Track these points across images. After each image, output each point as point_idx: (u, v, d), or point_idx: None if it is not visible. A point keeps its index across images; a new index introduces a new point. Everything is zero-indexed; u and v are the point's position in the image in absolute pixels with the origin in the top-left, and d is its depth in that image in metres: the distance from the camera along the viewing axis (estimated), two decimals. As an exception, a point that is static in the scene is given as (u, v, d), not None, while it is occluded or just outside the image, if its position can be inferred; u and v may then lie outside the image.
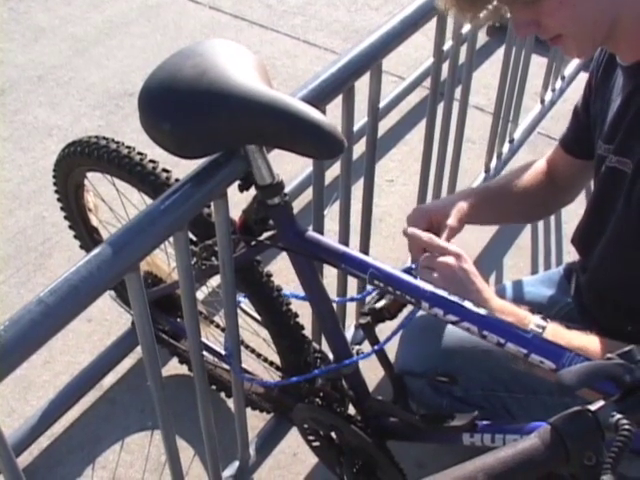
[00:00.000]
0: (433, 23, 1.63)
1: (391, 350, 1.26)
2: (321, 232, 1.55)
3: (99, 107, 2.96)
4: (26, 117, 2.90)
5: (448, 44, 1.77)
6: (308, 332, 1.57)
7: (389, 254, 2.24)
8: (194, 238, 1.40)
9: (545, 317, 1.08)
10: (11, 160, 2.70)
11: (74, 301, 0.96)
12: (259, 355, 1.64)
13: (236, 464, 1.67)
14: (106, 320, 2.13)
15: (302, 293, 1.28)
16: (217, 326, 1.72)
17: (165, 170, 1.48)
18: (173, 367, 1.95)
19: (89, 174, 1.65)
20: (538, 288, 1.58)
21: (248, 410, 1.63)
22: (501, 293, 1.60)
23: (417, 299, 1.08)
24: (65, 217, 1.82)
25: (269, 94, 1.05)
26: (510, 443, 0.65)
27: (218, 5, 3.60)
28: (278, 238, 1.24)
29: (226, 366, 1.67)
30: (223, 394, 1.84)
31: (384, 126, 2.71)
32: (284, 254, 1.27)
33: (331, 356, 1.38)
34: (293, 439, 1.79)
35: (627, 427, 0.61)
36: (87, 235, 1.82)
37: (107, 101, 2.99)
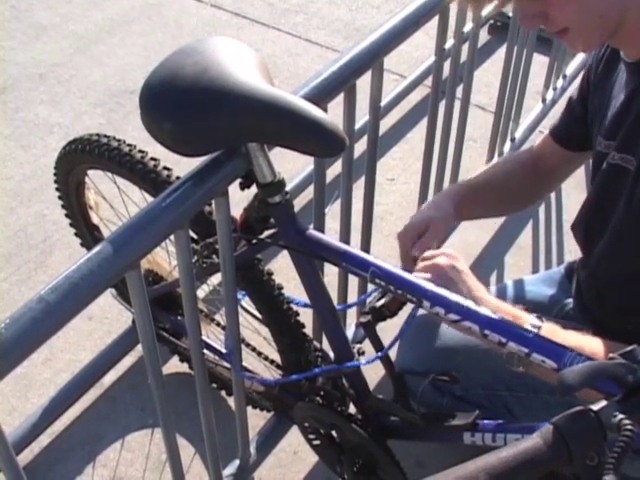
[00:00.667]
0: (435, 21, 1.63)
1: (392, 349, 1.26)
2: (322, 230, 1.55)
3: (100, 105, 2.96)
4: (27, 115, 2.90)
5: (450, 42, 1.77)
6: (309, 330, 1.57)
7: (390, 252, 2.24)
8: (195, 236, 1.40)
9: (540, 316, 1.08)
10: (12, 158, 2.70)
11: (75, 299, 0.96)
12: (260, 353, 1.64)
13: (236, 462, 1.67)
14: (107, 318, 2.13)
15: (303, 293, 1.28)
16: (218, 324, 1.72)
17: (166, 168, 1.47)
18: (174, 365, 1.95)
19: (90, 172, 1.65)
20: (539, 287, 1.58)
21: (249, 409, 1.63)
22: (502, 292, 1.60)
23: (418, 298, 1.07)
24: (66, 215, 1.82)
25: (270, 92, 1.05)
26: (512, 443, 0.65)
27: (219, 3, 3.59)
28: (279, 236, 1.23)
29: (227, 364, 1.67)
30: (224, 392, 1.84)
31: (385, 124, 2.71)
32: (285, 252, 1.27)
33: (332, 355, 1.38)
34: (294, 438, 1.78)
35: (629, 427, 0.61)
36: (88, 233, 1.82)
37: (108, 99, 2.99)
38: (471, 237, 2.35)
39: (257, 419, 1.83)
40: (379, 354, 1.24)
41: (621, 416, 0.63)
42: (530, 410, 1.38)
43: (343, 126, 1.48)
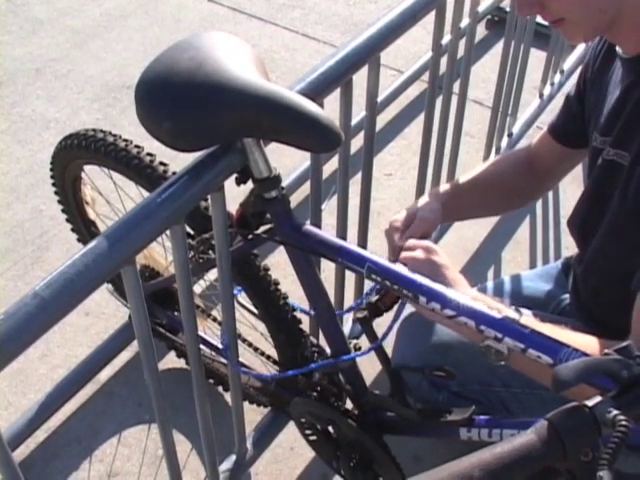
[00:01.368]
0: (432, 16, 1.62)
1: (388, 344, 1.26)
2: (319, 226, 1.55)
3: (97, 100, 2.95)
4: (24, 110, 2.89)
5: (447, 38, 1.77)
6: (305, 326, 1.57)
7: (387, 248, 2.23)
8: (191, 231, 1.39)
9: (518, 309, 1.07)
10: (9, 153, 2.69)
11: (70, 294, 0.96)
12: (256, 349, 1.64)
13: (233, 458, 1.67)
14: (103, 314, 2.13)
15: (300, 289, 1.28)
16: (214, 320, 1.72)
17: (162, 163, 1.47)
18: (170, 361, 1.95)
19: (86, 167, 1.65)
20: (536, 283, 1.58)
21: (245, 404, 1.63)
22: (499, 287, 1.60)
23: (414, 293, 1.07)
24: (62, 210, 1.82)
25: (266, 87, 1.04)
26: (506, 439, 0.65)
27: (216, -2, 3.59)
28: (275, 232, 1.23)
29: (223, 360, 1.67)
30: (220, 388, 1.85)
31: (382, 120, 2.71)
32: (281, 248, 1.26)
33: (328, 350, 1.38)
34: (290, 433, 1.79)
35: (624, 423, 0.61)
36: (84, 228, 1.82)
37: (105, 94, 2.98)
38: (468, 232, 2.36)
39: (254, 414, 1.83)
40: (373, 345, 1.24)
41: (616, 412, 0.63)
42: (526, 406, 1.38)
43: (340, 121, 1.48)
